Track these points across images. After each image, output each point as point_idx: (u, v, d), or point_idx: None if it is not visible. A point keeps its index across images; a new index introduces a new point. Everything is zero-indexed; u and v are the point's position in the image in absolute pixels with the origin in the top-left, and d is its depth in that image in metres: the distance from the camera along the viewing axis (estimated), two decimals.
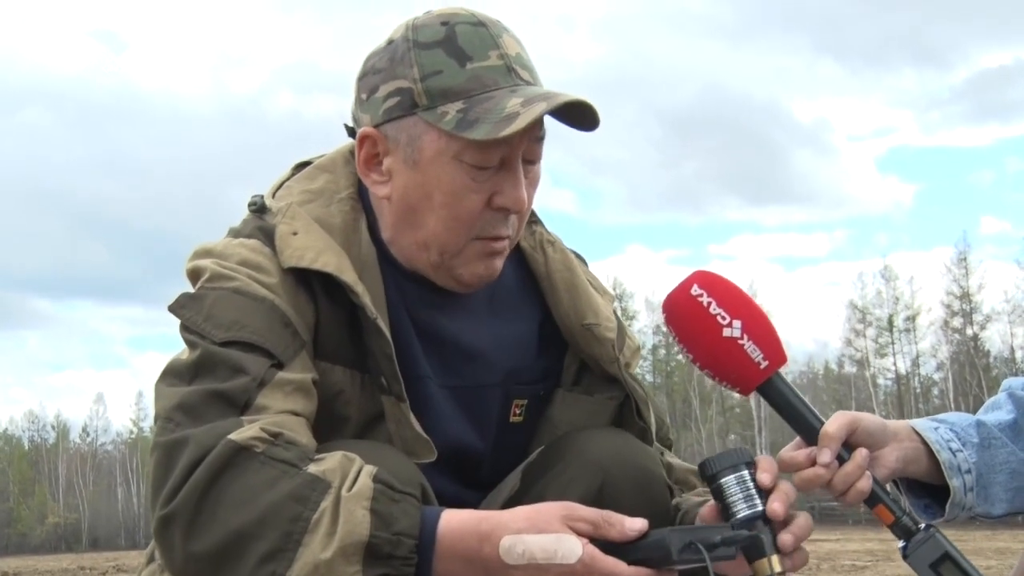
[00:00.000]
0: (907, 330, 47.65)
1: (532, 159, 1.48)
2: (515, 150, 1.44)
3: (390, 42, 1.49)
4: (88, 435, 74.45)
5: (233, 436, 1.27)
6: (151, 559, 1.48)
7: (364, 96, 1.49)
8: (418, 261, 1.51)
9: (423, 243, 1.48)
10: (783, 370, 1.42)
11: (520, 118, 1.38)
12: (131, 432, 71.03)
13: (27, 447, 75.57)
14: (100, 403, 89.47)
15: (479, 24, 1.46)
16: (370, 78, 1.49)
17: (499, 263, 1.51)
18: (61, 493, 71.01)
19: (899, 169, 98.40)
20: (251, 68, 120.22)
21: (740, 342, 1.37)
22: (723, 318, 1.37)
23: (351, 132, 1.55)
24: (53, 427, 75.47)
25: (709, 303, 1.38)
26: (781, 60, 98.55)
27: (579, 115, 1.43)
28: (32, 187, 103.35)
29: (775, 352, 1.39)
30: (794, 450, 1.44)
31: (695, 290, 1.39)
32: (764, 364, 1.38)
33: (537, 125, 1.43)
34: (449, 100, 1.42)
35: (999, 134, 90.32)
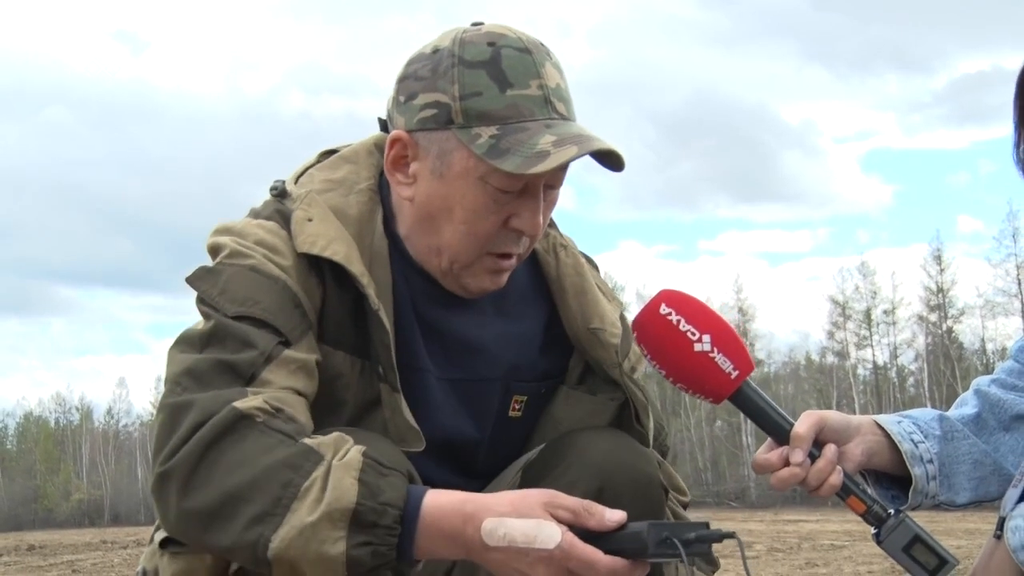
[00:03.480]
0: (885, 323, 47.66)
1: (554, 185, 1.47)
2: (539, 180, 1.43)
3: (435, 51, 1.45)
4: (111, 417, 74.56)
5: (237, 404, 1.28)
6: (152, 540, 1.49)
7: (402, 99, 1.47)
8: (428, 263, 1.50)
9: (436, 249, 1.48)
10: (751, 376, 1.44)
11: (550, 159, 1.37)
12: (151, 414, 71.02)
13: (53, 428, 75.60)
14: (122, 386, 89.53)
15: (524, 50, 1.43)
16: (410, 83, 1.46)
17: (505, 277, 1.51)
18: (85, 471, 70.99)
19: (880, 169, 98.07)
20: (264, 70, 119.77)
21: (711, 355, 1.40)
22: (693, 334, 1.40)
23: (383, 126, 1.54)
24: (77, 409, 75.54)
25: (678, 320, 1.40)
26: (770, 66, 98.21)
27: (606, 157, 1.42)
28: (57, 182, 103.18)
29: (743, 361, 1.41)
30: (767, 452, 1.46)
31: (663, 309, 1.41)
32: (735, 374, 1.41)
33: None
34: (484, 123, 1.40)
35: (976, 137, 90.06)
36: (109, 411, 74.65)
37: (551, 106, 1.42)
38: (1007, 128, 1.64)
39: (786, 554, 11.39)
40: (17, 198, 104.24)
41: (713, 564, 1.61)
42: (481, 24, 1.48)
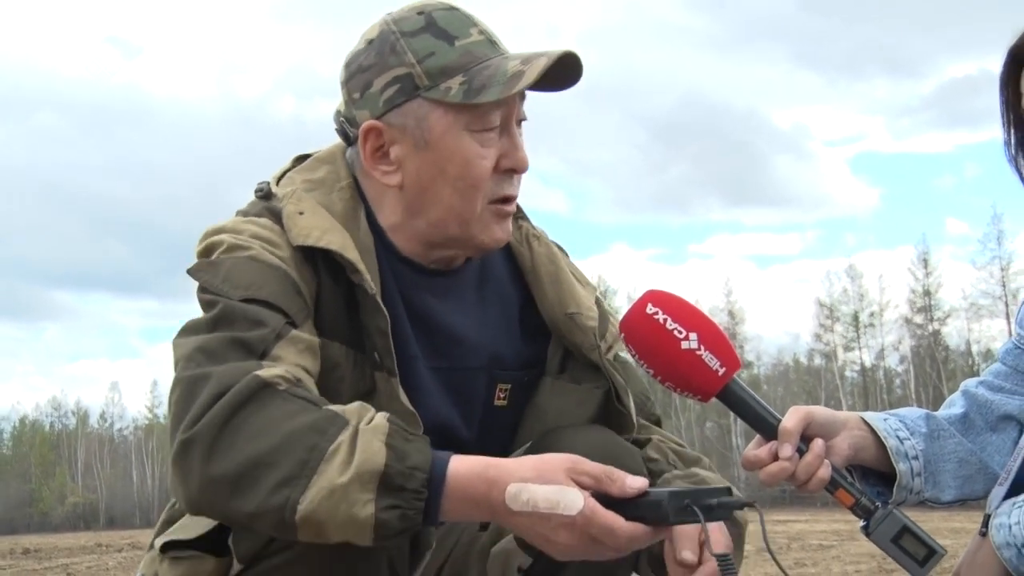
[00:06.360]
0: (871, 325, 47.79)
1: (520, 118, 1.51)
2: (511, 111, 1.48)
3: (370, 41, 1.49)
4: (106, 421, 74.33)
5: (260, 372, 1.27)
6: (152, 546, 1.48)
7: (357, 95, 1.49)
8: (436, 237, 1.50)
9: (440, 220, 1.49)
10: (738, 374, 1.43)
11: (527, 74, 1.41)
12: (146, 418, 70.88)
13: (48, 432, 75.34)
14: (115, 391, 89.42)
15: (450, 8, 1.50)
16: (360, 76, 1.49)
17: (509, 226, 1.54)
18: (80, 475, 70.84)
19: (869, 172, 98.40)
20: (255, 75, 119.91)
21: (698, 353, 1.39)
22: (680, 332, 1.39)
23: (345, 137, 1.54)
24: (73, 413, 75.32)
25: (665, 320, 1.39)
26: (761, 70, 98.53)
27: (567, 70, 1.45)
28: (49, 186, 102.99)
29: (730, 359, 1.40)
30: (756, 448, 1.46)
31: (650, 308, 1.40)
32: (722, 371, 1.40)
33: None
34: (448, 76, 1.44)
35: (963, 140, 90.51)
36: (102, 415, 74.45)
37: (496, 45, 1.48)
38: (994, 132, 1.64)
39: (775, 554, 11.39)
40: (8, 202, 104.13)
41: (738, 526, 1.56)
42: (398, 9, 1.52)
